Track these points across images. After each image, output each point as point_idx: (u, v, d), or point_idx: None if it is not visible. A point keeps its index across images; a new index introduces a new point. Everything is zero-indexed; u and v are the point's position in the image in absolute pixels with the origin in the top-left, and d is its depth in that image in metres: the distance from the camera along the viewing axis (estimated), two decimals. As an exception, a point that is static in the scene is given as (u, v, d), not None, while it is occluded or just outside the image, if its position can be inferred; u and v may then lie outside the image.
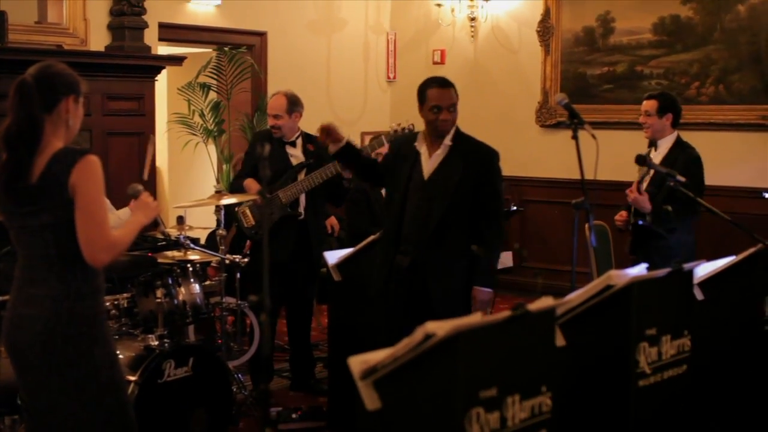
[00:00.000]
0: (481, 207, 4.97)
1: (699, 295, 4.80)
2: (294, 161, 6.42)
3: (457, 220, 4.95)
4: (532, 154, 9.68)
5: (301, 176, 6.30)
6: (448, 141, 4.99)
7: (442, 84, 5.02)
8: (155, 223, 3.98)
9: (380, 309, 5.09)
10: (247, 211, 6.36)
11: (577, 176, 4.69)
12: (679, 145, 6.07)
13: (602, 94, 9.32)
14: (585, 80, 9.43)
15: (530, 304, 3.22)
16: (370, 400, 3.01)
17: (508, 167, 9.47)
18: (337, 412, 5.72)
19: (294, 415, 5.90)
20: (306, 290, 6.52)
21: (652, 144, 6.16)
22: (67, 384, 3.60)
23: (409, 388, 3.01)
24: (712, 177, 8.33)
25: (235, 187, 6.49)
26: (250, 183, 6.32)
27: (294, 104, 6.50)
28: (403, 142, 5.26)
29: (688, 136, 8.50)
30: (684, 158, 5.94)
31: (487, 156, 5.09)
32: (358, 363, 3.00)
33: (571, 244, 4.78)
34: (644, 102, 6.18)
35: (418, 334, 2.90)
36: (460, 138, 5.04)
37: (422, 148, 5.06)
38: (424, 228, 4.94)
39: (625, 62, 9.21)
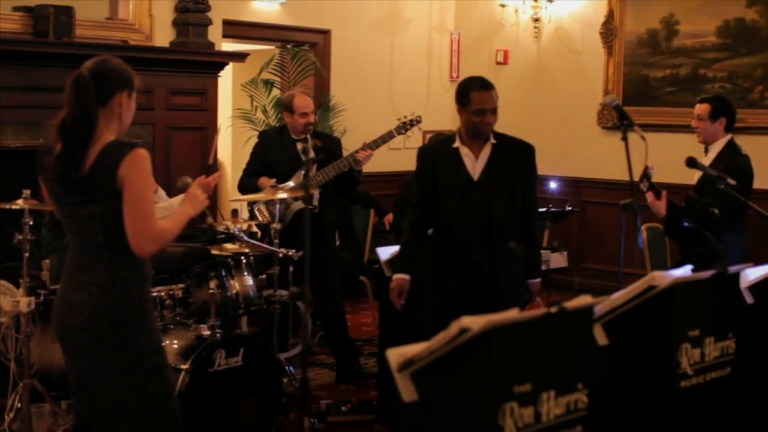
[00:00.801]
0: (524, 201, 5.06)
1: (749, 298, 4.77)
2: (304, 157, 6.54)
3: (513, 215, 5.02)
4: (592, 155, 9.66)
5: (313, 171, 6.41)
6: (492, 139, 5.01)
7: (485, 86, 4.98)
8: (203, 215, 4.05)
9: (436, 307, 5.12)
10: (263, 208, 6.49)
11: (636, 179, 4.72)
12: (728, 150, 6.00)
13: (664, 97, 9.28)
14: (647, 83, 9.39)
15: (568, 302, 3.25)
16: (407, 391, 3.06)
17: (569, 168, 9.59)
18: (387, 405, 5.77)
19: (344, 408, 5.98)
20: (328, 282, 6.62)
21: (707, 149, 6.12)
22: (113, 369, 3.71)
23: (445, 380, 3.05)
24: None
25: (246, 185, 6.63)
26: (265, 180, 6.47)
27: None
28: (437, 146, 5.26)
29: (752, 140, 8.51)
30: (725, 165, 5.86)
31: (529, 151, 5.11)
32: (395, 355, 3.05)
33: (629, 246, 4.82)
34: (696, 105, 6.14)
35: (454, 328, 2.94)
36: (499, 136, 5.06)
37: (464, 149, 5.04)
38: (488, 226, 4.96)
39: (689, 65, 9.17)
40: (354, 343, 7.15)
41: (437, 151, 5.15)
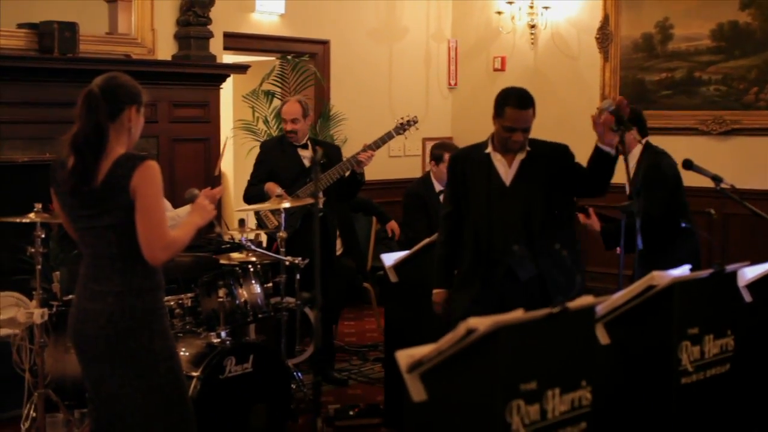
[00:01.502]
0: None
1: (747, 296, 4.88)
2: (307, 163, 6.76)
3: (551, 218, 4.92)
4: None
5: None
6: (527, 147, 4.92)
7: (521, 105, 4.83)
8: (211, 225, 4.16)
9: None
10: (270, 214, 6.62)
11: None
12: (645, 153, 5.93)
13: (661, 100, 9.36)
14: (643, 86, 9.49)
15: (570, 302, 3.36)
16: (417, 392, 3.16)
17: (567, 172, 9.66)
18: (394, 410, 5.86)
19: (351, 412, 6.07)
20: (326, 286, 6.73)
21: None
22: (129, 375, 3.81)
23: (453, 380, 3.15)
24: (765, 181, 8.42)
25: (253, 193, 6.79)
26: (272, 186, 6.64)
27: (306, 109, 6.88)
28: (468, 152, 5.15)
29: (748, 142, 8.64)
30: (644, 168, 5.82)
31: (563, 151, 5.03)
32: (405, 357, 3.16)
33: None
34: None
35: (461, 329, 3.05)
36: (533, 142, 4.96)
37: (496, 155, 4.96)
38: (527, 232, 4.85)
39: (684, 68, 9.26)
40: (333, 350, 7.36)
41: (468, 157, 5.07)
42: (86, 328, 3.84)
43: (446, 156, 7.16)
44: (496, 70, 10.58)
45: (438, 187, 7.30)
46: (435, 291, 5.16)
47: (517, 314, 3.13)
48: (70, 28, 7.08)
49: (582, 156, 4.93)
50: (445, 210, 5.16)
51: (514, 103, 4.83)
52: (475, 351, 3.08)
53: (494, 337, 3.05)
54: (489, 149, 4.97)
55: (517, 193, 4.90)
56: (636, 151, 5.92)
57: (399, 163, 10.34)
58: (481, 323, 3.01)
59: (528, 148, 4.92)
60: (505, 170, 4.94)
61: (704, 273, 4.19)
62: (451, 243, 5.09)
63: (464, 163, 5.05)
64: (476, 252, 4.95)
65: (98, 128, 3.77)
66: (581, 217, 5.96)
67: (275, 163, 6.80)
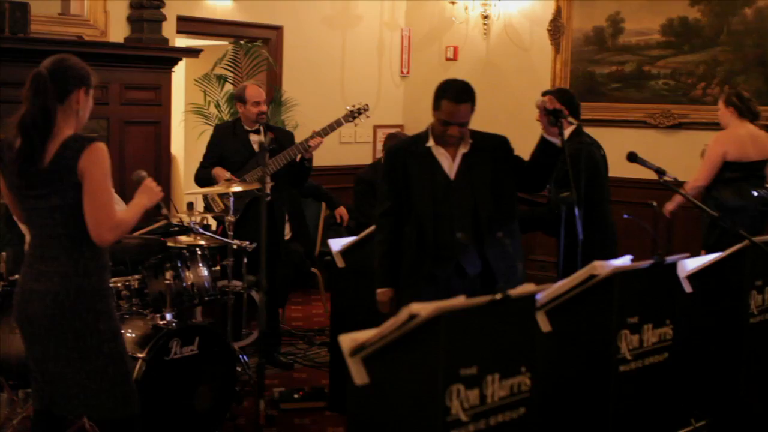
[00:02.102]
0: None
1: (687, 287, 4.97)
2: (257, 147, 6.78)
3: (499, 210, 4.80)
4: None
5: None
6: (468, 139, 4.81)
7: (458, 98, 4.68)
8: (158, 207, 4.19)
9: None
10: (217, 198, 6.66)
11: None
12: (574, 138, 5.71)
13: (610, 93, 9.46)
14: (594, 79, 9.58)
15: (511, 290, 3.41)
16: (359, 375, 3.21)
17: (517, 162, 9.74)
18: (339, 394, 5.90)
19: (296, 395, 6.12)
20: (274, 269, 6.79)
21: None
22: (73, 355, 3.85)
23: (395, 364, 3.20)
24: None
25: (201, 176, 6.84)
26: (219, 171, 6.71)
27: None
28: (408, 145, 5.00)
29: (695, 136, 8.75)
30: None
31: (504, 143, 4.92)
32: (348, 340, 3.20)
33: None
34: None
35: (404, 314, 3.09)
36: (473, 134, 4.84)
37: (438, 149, 4.82)
38: (474, 226, 4.74)
39: (634, 62, 9.35)
40: (280, 333, 7.45)
41: (408, 150, 4.89)
42: (32, 308, 3.86)
43: None
44: (448, 59, 10.63)
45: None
46: (380, 290, 4.96)
47: (459, 301, 3.18)
48: (21, 8, 7.02)
49: (531, 146, 4.94)
50: (384, 207, 4.96)
51: (452, 96, 4.68)
52: (417, 336, 3.12)
53: (435, 322, 3.10)
54: (430, 143, 4.83)
55: (462, 187, 4.78)
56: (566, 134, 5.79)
57: (350, 149, 10.37)
58: (423, 309, 3.06)
59: (470, 140, 4.82)
60: (449, 164, 4.81)
61: (644, 263, 4.27)
62: (393, 240, 4.91)
63: (405, 157, 4.88)
64: (420, 249, 4.81)
65: (45, 110, 3.79)
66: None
67: (226, 146, 6.83)
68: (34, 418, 4.27)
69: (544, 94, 5.75)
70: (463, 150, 4.82)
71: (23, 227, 4.16)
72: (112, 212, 3.80)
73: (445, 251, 4.77)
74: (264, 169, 4.02)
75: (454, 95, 4.69)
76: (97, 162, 3.77)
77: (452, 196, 4.78)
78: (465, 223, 4.74)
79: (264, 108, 6.83)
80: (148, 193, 4.09)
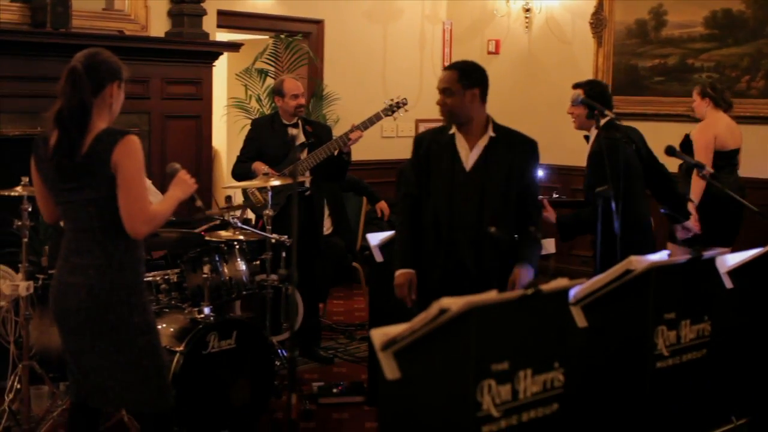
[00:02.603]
0: (524, 194, 4.80)
1: (728, 283, 4.91)
2: (297, 141, 6.73)
3: (505, 211, 4.75)
4: (581, 143, 9.72)
5: (304, 155, 6.60)
6: (491, 132, 4.78)
7: (446, 67, 4.84)
8: (191, 199, 4.22)
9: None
10: (256, 191, 6.66)
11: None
12: (600, 135, 5.61)
13: (653, 87, 9.39)
14: (636, 72, 9.51)
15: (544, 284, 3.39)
16: (390, 370, 3.20)
17: (559, 156, 9.69)
18: (377, 387, 5.88)
19: (335, 390, 6.13)
20: (312, 264, 6.83)
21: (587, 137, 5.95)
22: (109, 348, 3.88)
23: (426, 359, 3.19)
24: (759, 170, 8.46)
25: (240, 170, 6.80)
26: (258, 165, 6.66)
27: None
28: (433, 134, 4.97)
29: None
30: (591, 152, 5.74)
31: (528, 146, 4.84)
32: (379, 335, 3.20)
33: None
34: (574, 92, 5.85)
35: (434, 308, 3.08)
36: (499, 128, 4.82)
37: (460, 138, 4.80)
38: (478, 222, 4.72)
39: (677, 55, 9.28)
40: (320, 327, 7.44)
41: (433, 139, 4.90)
42: (67, 301, 3.90)
43: None
44: (490, 53, 10.59)
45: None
46: (398, 272, 4.90)
47: (490, 295, 3.17)
48: (63, 2, 7.09)
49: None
50: (406, 190, 4.98)
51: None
52: (447, 331, 3.11)
53: (466, 317, 3.08)
54: (453, 129, 4.83)
55: (475, 181, 4.76)
56: (594, 131, 5.76)
57: (391, 143, 10.36)
58: (453, 303, 3.04)
59: (492, 134, 4.78)
60: (466, 154, 4.80)
61: (682, 258, 4.23)
62: (412, 223, 4.90)
63: (429, 145, 4.89)
64: (437, 237, 4.81)
65: (82, 104, 3.83)
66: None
67: (264, 140, 6.82)
68: (71, 410, 4.30)
69: (575, 86, 5.72)
70: (483, 141, 4.78)
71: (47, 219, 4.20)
72: (146, 205, 3.82)
73: (451, 246, 4.77)
74: (295, 164, 4.00)
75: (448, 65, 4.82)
76: (130, 155, 3.79)
77: (465, 187, 4.77)
78: (469, 219, 4.74)
79: (302, 101, 6.80)
80: (182, 185, 4.12)
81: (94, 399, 4.03)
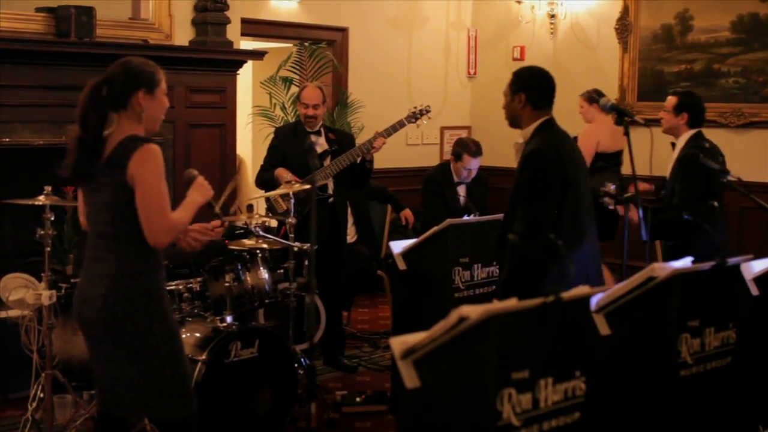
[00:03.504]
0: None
1: (754, 290, 4.85)
2: (319, 149, 6.76)
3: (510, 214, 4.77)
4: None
5: (327, 162, 6.60)
6: (520, 138, 4.90)
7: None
8: (209, 205, 4.22)
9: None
10: (279, 199, 6.66)
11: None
12: (690, 142, 6.10)
13: (680, 92, 9.31)
14: (662, 78, 9.46)
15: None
16: (410, 378, 3.18)
17: (584, 162, 9.64)
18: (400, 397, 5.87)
19: (358, 399, 6.11)
20: (336, 272, 6.81)
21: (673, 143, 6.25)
22: (130, 356, 3.88)
23: (445, 367, 3.16)
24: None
25: (264, 178, 6.83)
26: (282, 172, 6.66)
27: (324, 96, 6.91)
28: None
29: (765, 135, 8.58)
30: (680, 157, 6.05)
31: (526, 157, 4.79)
32: (398, 343, 3.18)
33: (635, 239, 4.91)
34: (668, 97, 6.33)
35: (453, 316, 3.06)
36: (532, 136, 4.81)
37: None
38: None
39: (703, 60, 9.22)
40: (344, 336, 7.44)
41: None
42: (87, 310, 3.92)
43: (465, 156, 7.25)
44: (515, 59, 10.56)
45: (456, 178, 7.39)
46: None
47: (510, 303, 3.14)
48: (87, 12, 7.11)
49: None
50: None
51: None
52: (467, 339, 3.08)
53: (485, 325, 3.05)
54: None
55: None
56: (683, 138, 6.14)
57: (417, 151, 10.36)
58: (472, 311, 3.02)
59: (519, 140, 4.93)
60: None
61: (706, 265, 4.18)
62: None
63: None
64: None
65: (104, 114, 3.84)
66: (620, 209, 5.92)
67: (288, 148, 6.82)
68: (96, 419, 4.31)
69: (672, 93, 6.27)
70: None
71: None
72: (166, 215, 3.82)
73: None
74: (313, 172, 3.99)
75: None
76: (148, 163, 3.79)
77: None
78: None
79: (311, 112, 6.77)
80: (201, 189, 4.12)
81: (119, 407, 4.03)
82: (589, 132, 8.09)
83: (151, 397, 3.95)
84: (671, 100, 6.23)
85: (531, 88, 4.86)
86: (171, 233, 3.85)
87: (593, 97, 8.14)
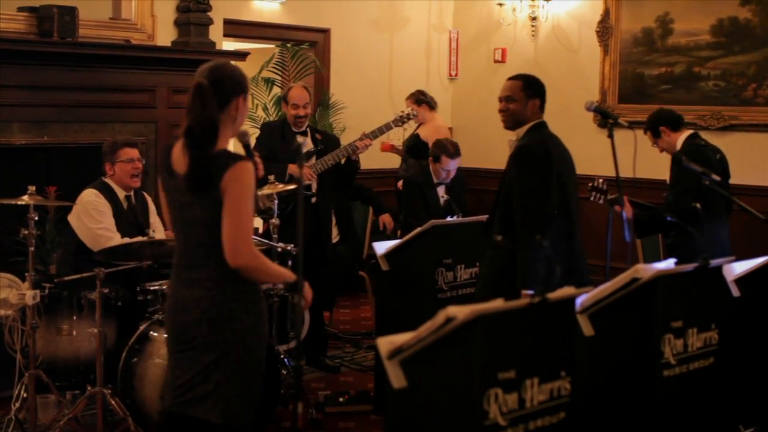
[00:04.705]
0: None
1: (735, 291, 4.89)
2: (305, 149, 6.77)
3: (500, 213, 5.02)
4: (588, 152, 9.70)
5: (312, 162, 6.64)
6: (512, 135, 5.10)
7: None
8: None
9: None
10: (264, 197, 6.67)
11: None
12: (685, 143, 6.33)
13: (659, 95, 9.36)
14: (642, 80, 9.50)
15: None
16: (396, 378, 3.19)
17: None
18: (384, 396, 5.88)
19: (341, 399, 6.12)
20: (319, 272, 6.83)
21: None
22: (227, 359, 3.82)
23: (432, 367, 3.18)
24: (762, 178, 8.44)
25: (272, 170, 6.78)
26: (293, 166, 6.65)
27: (311, 96, 6.97)
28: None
29: (746, 137, 8.64)
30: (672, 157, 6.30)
31: (515, 152, 5.03)
32: (385, 343, 3.20)
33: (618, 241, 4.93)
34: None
35: (440, 317, 3.08)
36: (524, 135, 5.07)
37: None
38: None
39: (683, 63, 9.26)
40: (326, 336, 7.46)
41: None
42: (186, 314, 3.85)
43: (443, 157, 7.27)
44: (496, 61, 10.60)
45: (435, 179, 7.41)
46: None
47: (497, 303, 3.16)
48: (70, 12, 7.09)
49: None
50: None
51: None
52: (454, 339, 3.10)
53: (472, 325, 3.08)
54: None
55: None
56: (678, 142, 6.37)
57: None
58: (460, 311, 3.04)
59: (512, 138, 5.15)
60: None
61: (688, 267, 4.22)
62: None
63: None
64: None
65: (211, 121, 3.77)
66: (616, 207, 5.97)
67: (274, 146, 6.81)
68: (160, 417, 4.27)
69: (645, 131, 6.50)
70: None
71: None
72: (250, 235, 3.78)
73: None
74: (301, 170, 3.99)
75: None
76: (240, 181, 3.71)
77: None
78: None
79: (301, 112, 6.79)
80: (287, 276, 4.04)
81: (196, 408, 3.87)
82: (433, 130, 8.60)
83: (232, 401, 3.85)
84: (648, 136, 6.50)
85: (544, 94, 5.12)
86: (249, 257, 3.76)
87: (421, 98, 8.68)
